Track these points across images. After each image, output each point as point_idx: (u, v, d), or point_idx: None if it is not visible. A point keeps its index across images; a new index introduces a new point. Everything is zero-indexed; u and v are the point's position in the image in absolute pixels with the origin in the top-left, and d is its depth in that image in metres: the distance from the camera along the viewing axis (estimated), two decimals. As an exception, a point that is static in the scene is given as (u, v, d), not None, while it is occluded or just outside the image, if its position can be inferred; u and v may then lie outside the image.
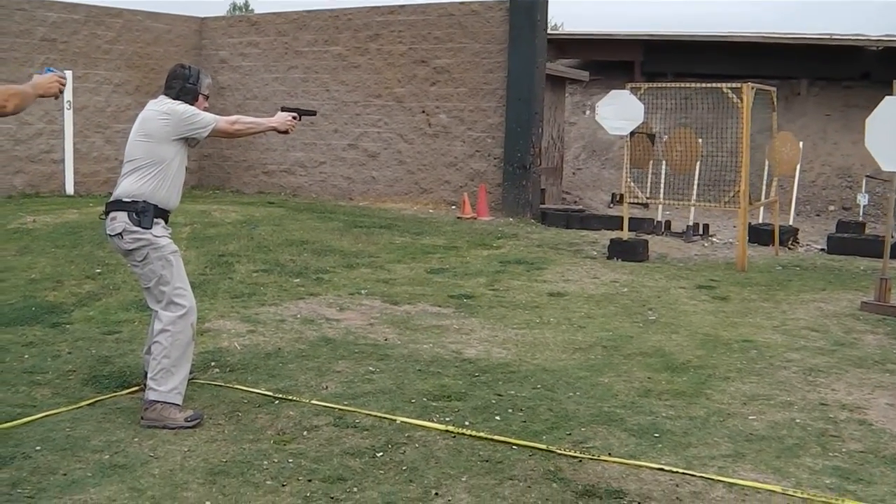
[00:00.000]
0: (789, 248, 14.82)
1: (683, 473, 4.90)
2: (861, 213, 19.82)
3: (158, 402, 5.49)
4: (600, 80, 25.52)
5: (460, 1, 17.65)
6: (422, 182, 17.95)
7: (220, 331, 7.77)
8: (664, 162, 15.92)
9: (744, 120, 12.48)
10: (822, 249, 15.06)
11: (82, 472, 4.77)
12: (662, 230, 15.35)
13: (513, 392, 6.26)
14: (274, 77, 19.69)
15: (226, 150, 19.98)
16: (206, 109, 5.90)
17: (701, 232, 15.38)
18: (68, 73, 5.02)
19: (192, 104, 5.81)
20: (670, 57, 24.96)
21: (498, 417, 5.72)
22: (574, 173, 23.46)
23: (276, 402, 5.97)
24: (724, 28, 25.43)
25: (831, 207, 22.68)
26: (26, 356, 6.98)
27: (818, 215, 22.06)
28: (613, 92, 13.28)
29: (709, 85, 13.25)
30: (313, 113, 6.55)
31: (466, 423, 5.60)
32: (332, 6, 19.15)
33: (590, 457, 5.07)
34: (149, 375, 5.61)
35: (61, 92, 4.93)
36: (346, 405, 5.90)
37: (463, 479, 4.75)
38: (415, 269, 11.07)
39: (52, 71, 4.93)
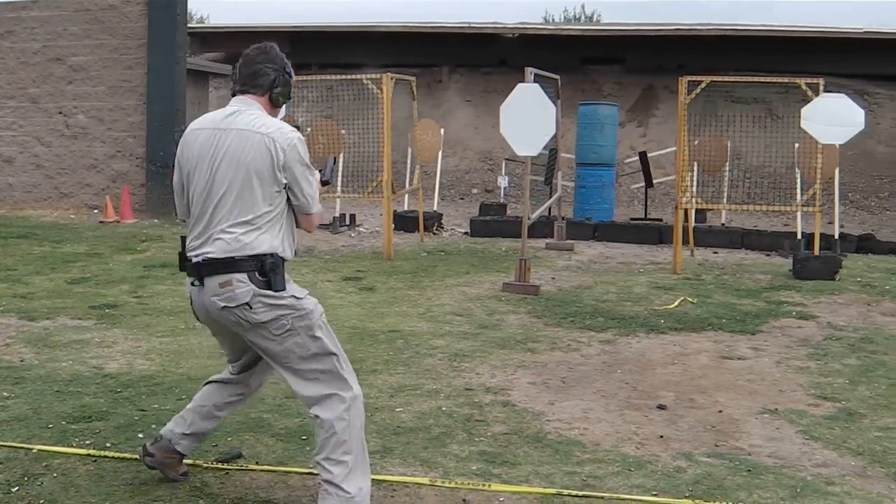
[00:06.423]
0: (434, 234, 15.32)
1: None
2: (502, 195, 20.78)
3: None
4: (247, 72, 25.38)
5: (96, -5, 17.04)
6: (62, 186, 17.21)
7: None
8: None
9: (384, 110, 12.77)
10: (466, 233, 15.68)
11: None
12: (310, 223, 15.44)
13: (157, 406, 6.10)
14: None
15: None
16: None
17: (348, 222, 15.61)
18: None
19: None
20: (315, 48, 25.16)
21: (141, 435, 5.54)
22: (221, 168, 23.19)
23: None
24: (374, 18, 25.91)
25: (474, 191, 23.68)
26: None
27: (462, 199, 22.96)
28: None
29: (350, 76, 13.46)
30: None
31: (108, 444, 5.40)
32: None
33: (237, 468, 5.02)
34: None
35: None
36: (-24, 438, 5.55)
37: (106, 507, 4.59)
38: (55, 280, 10.58)
39: None
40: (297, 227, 4.48)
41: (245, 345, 4.51)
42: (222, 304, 4.19)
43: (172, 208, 15.96)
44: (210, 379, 4.88)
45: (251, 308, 4.17)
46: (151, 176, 16.40)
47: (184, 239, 4.41)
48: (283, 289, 4.23)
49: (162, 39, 16.60)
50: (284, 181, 4.25)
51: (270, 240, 4.24)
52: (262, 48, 4.47)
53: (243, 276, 4.16)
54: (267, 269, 4.18)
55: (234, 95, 4.47)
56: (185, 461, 4.91)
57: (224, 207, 4.22)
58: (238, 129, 4.26)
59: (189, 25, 22.19)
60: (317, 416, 4.33)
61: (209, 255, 4.21)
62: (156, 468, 4.80)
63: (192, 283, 4.30)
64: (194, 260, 4.26)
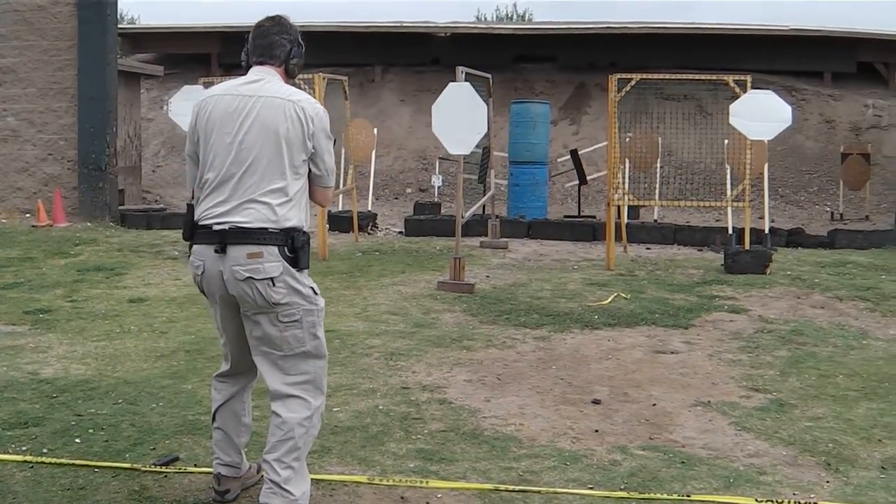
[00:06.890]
0: (369, 234, 15.35)
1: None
2: (436, 195, 20.84)
3: None
4: (179, 73, 25.23)
5: (25, -5, 16.80)
6: (-8, 191, 17.00)
7: None
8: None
9: (317, 112, 12.75)
10: (401, 232, 15.72)
11: None
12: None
13: (93, 410, 6.08)
14: None
15: None
16: None
17: (284, 224, 15.56)
18: None
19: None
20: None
21: (78, 440, 5.53)
22: (154, 171, 23.08)
23: None
24: (306, 18, 25.81)
25: (409, 190, 23.71)
26: None
27: (397, 198, 22.99)
28: (186, 87, 13.19)
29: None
30: None
31: (45, 450, 5.37)
32: None
33: (175, 470, 5.03)
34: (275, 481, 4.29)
35: None
36: (-89, 447, 5.49)
37: (43, 512, 4.58)
38: (-14, 285, 10.47)
39: None
40: (311, 200, 4.45)
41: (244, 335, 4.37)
42: (247, 275, 4.08)
43: (107, 212, 15.96)
44: (219, 405, 4.64)
45: (274, 285, 4.09)
46: (84, 179, 16.22)
47: (191, 206, 4.33)
48: (308, 267, 4.21)
49: (92, 40, 16.43)
50: (312, 150, 4.23)
51: (299, 213, 4.22)
52: (276, 19, 4.38)
53: (274, 251, 4.09)
54: (297, 246, 4.14)
55: (248, 67, 4.37)
56: (127, 465, 4.91)
57: (254, 175, 4.14)
58: (268, 97, 4.19)
59: (120, 26, 22.04)
60: (278, 415, 4.27)
61: (239, 224, 4.11)
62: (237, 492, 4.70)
63: (215, 251, 4.13)
64: (216, 227, 4.14)
